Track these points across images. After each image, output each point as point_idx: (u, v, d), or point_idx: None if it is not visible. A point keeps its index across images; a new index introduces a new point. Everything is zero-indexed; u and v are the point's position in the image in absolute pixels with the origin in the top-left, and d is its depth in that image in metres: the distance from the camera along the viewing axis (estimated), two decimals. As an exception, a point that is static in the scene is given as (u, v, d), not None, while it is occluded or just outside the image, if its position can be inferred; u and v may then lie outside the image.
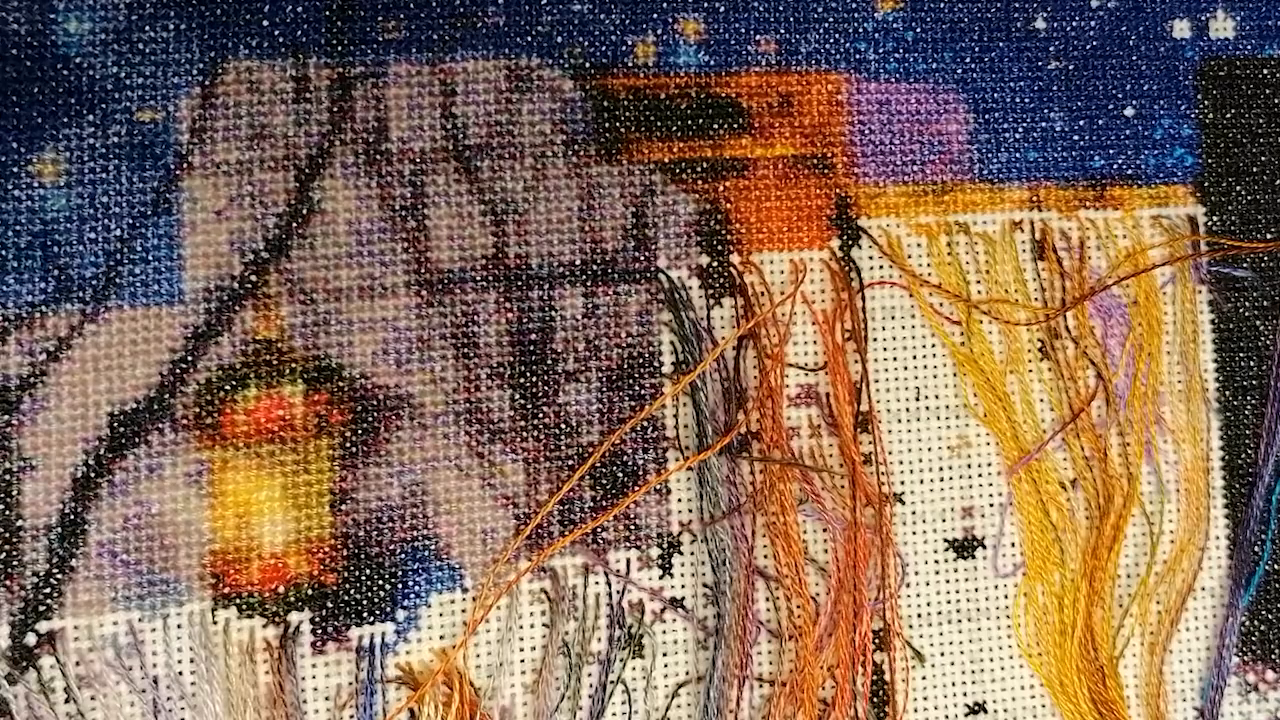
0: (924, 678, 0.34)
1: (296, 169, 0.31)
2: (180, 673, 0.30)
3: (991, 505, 0.34)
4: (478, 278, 0.32)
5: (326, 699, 0.31)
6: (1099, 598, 0.34)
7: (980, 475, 0.34)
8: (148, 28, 0.30)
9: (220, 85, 0.31)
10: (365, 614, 0.31)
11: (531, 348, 0.32)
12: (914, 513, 0.34)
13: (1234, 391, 0.35)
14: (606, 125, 0.32)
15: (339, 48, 0.31)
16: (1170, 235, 0.35)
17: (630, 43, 0.33)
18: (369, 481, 0.31)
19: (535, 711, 0.32)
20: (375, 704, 0.31)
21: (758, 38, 0.33)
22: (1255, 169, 0.36)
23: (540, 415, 0.32)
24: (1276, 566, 0.35)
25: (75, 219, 0.30)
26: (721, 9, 0.33)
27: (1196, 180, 0.35)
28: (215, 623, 0.30)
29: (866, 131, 0.34)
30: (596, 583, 0.32)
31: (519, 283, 0.32)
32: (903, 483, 0.34)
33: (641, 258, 0.33)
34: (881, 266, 0.34)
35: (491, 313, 0.32)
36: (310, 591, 0.31)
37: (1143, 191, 0.35)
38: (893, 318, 0.34)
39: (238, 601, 0.30)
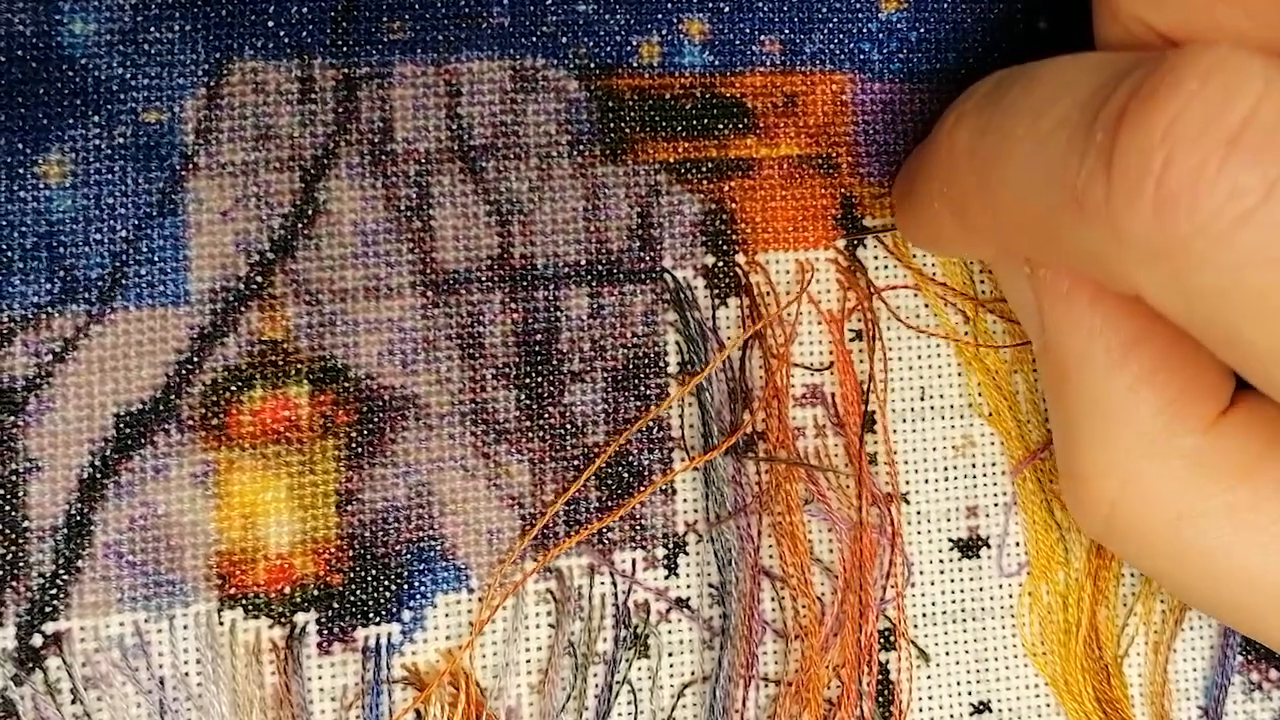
0: (929, 677, 0.34)
1: (302, 170, 0.31)
2: (186, 673, 0.30)
3: (996, 505, 0.34)
4: (483, 278, 0.32)
5: (333, 699, 0.31)
6: (1103, 597, 0.34)
7: (985, 475, 0.34)
8: (153, 29, 0.30)
9: (225, 86, 0.31)
10: (371, 614, 0.31)
11: (537, 348, 0.32)
12: (919, 512, 0.34)
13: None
14: (611, 125, 0.32)
15: (344, 49, 0.31)
16: (1174, 235, 0.35)
17: (635, 43, 0.33)
18: (375, 482, 0.31)
19: (541, 712, 0.32)
20: (381, 704, 0.31)
21: (762, 38, 0.33)
22: (1259, 168, 0.36)
23: (546, 415, 0.32)
24: None
25: (81, 220, 0.30)
26: (726, 9, 0.33)
27: (1200, 180, 0.35)
28: (221, 623, 0.30)
29: (871, 132, 0.34)
30: (602, 583, 0.32)
31: (524, 283, 0.32)
32: (908, 482, 0.34)
33: (647, 258, 0.33)
34: (886, 266, 0.34)
35: (497, 313, 0.32)
36: (316, 592, 0.31)
37: (1147, 191, 0.35)
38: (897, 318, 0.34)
39: (244, 602, 0.30)
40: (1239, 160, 0.21)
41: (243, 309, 0.31)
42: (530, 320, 0.32)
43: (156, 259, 0.30)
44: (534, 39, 0.32)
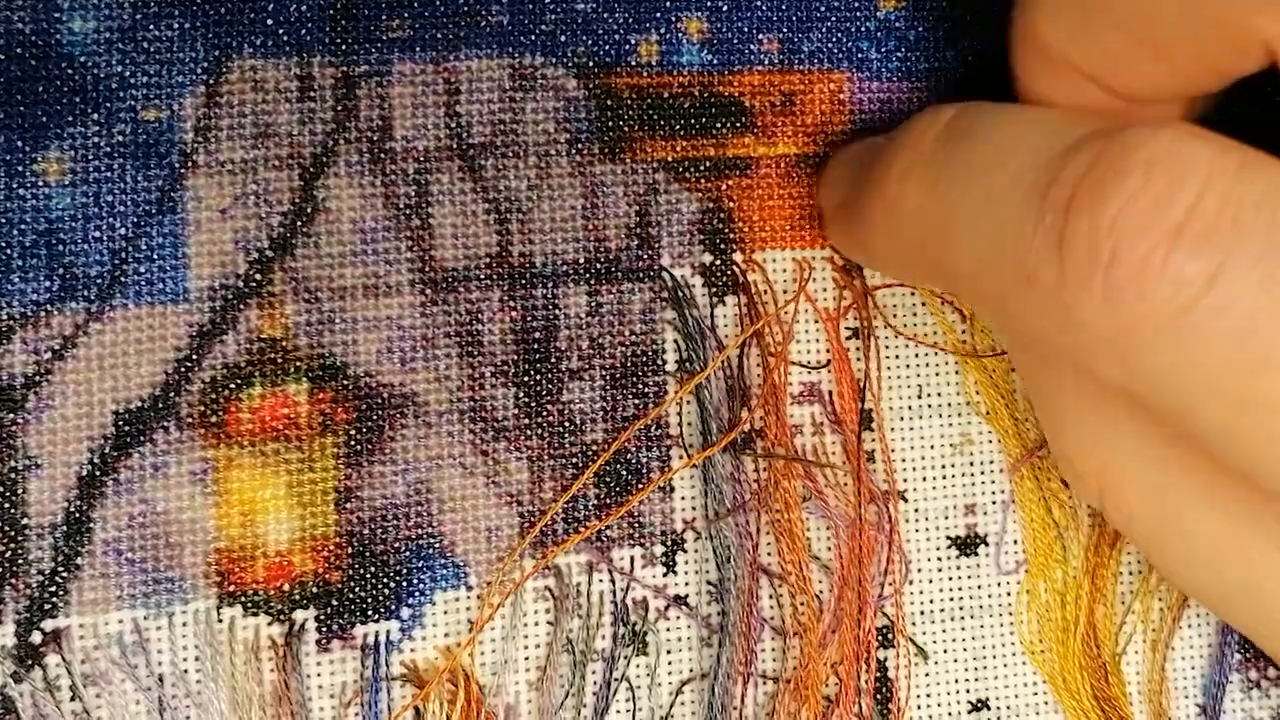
0: (927, 675, 0.34)
1: (301, 167, 0.31)
2: (185, 670, 0.30)
3: (994, 502, 0.34)
4: (482, 276, 0.32)
5: (331, 697, 0.31)
6: (1101, 595, 0.34)
7: (983, 472, 0.34)
8: (152, 26, 0.30)
9: (225, 84, 0.31)
10: (370, 612, 0.31)
11: (535, 346, 0.32)
12: (916, 510, 0.34)
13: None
14: (610, 124, 0.33)
15: (343, 47, 0.31)
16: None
17: (634, 42, 0.33)
18: (374, 479, 0.31)
19: (540, 709, 0.32)
20: (380, 701, 0.31)
21: (760, 37, 0.33)
22: (1256, 167, 0.36)
23: (544, 413, 0.32)
24: (1278, 563, 0.35)
25: (80, 218, 0.30)
26: (724, 8, 0.33)
27: (1197, 178, 0.35)
28: (220, 621, 0.30)
29: (869, 131, 0.34)
30: (600, 580, 0.32)
31: (523, 281, 0.32)
32: (905, 480, 0.34)
33: (645, 256, 0.33)
34: (884, 264, 0.34)
35: (495, 311, 0.32)
36: (315, 589, 0.31)
37: (1144, 190, 0.35)
38: (895, 315, 0.34)
39: (243, 599, 0.30)
40: (1184, 250, 0.22)
41: (242, 307, 0.31)
42: (529, 318, 0.32)
43: (156, 257, 0.30)
44: (533, 37, 0.32)
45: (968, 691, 0.34)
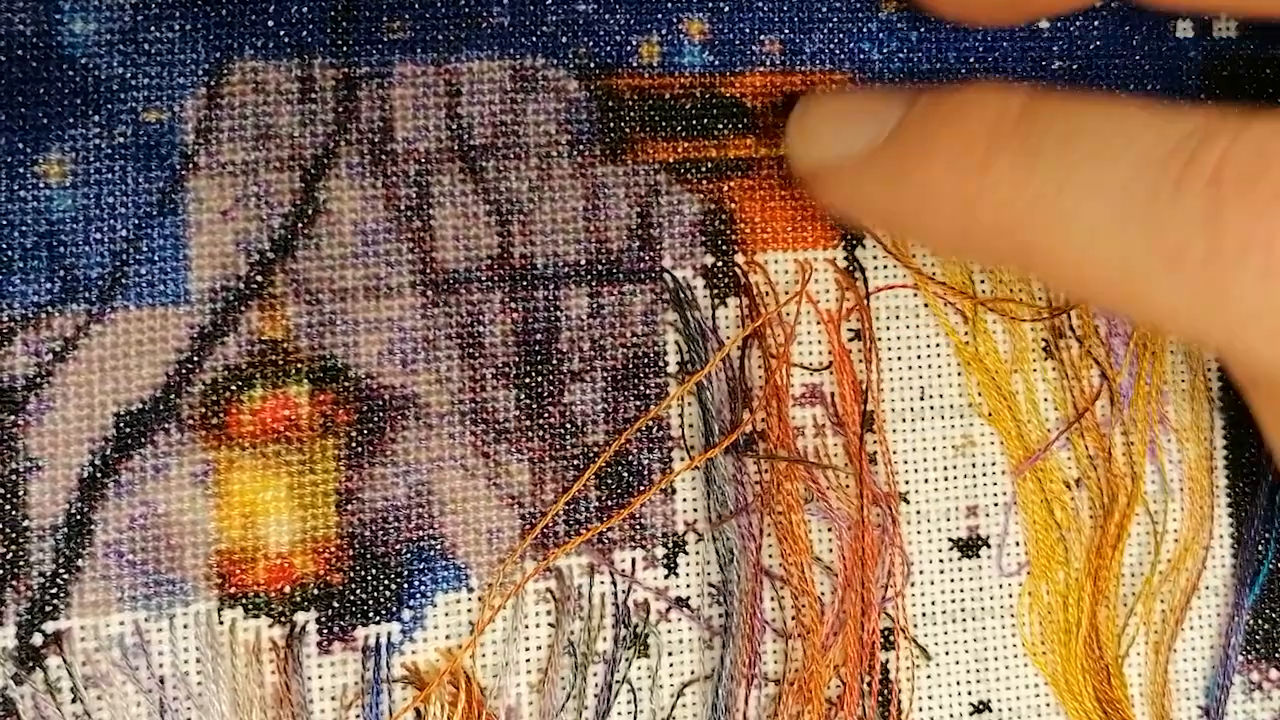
0: (929, 676, 0.34)
1: (302, 169, 0.31)
2: (186, 672, 0.30)
3: (996, 504, 0.34)
4: (483, 278, 0.32)
5: (333, 699, 0.31)
6: (1103, 597, 0.34)
7: (985, 474, 0.34)
8: (153, 28, 0.30)
9: (226, 86, 0.31)
10: (371, 614, 0.31)
11: (537, 348, 0.32)
12: (918, 512, 0.34)
13: (1237, 390, 0.35)
14: (611, 125, 0.32)
15: (344, 48, 0.31)
16: (1174, 234, 0.35)
17: (635, 43, 0.33)
18: (375, 481, 0.31)
19: (541, 711, 0.32)
20: (381, 704, 0.31)
21: (762, 38, 0.33)
22: (1258, 168, 0.36)
23: (545, 415, 0.32)
24: (1280, 565, 0.35)
25: (81, 220, 0.30)
26: (726, 9, 0.33)
27: (1200, 179, 0.35)
28: (221, 623, 0.30)
29: (871, 131, 0.34)
30: (601, 582, 0.32)
31: (524, 283, 0.32)
32: (907, 482, 0.34)
33: (646, 258, 0.33)
34: (886, 265, 0.34)
35: (497, 313, 0.32)
36: (316, 591, 0.31)
37: (1146, 191, 0.35)
38: (897, 317, 0.34)
39: (244, 601, 0.30)
40: None
41: (243, 308, 0.31)
42: (530, 320, 0.32)
43: (157, 258, 0.30)
44: (534, 39, 0.32)
45: (970, 694, 0.34)
